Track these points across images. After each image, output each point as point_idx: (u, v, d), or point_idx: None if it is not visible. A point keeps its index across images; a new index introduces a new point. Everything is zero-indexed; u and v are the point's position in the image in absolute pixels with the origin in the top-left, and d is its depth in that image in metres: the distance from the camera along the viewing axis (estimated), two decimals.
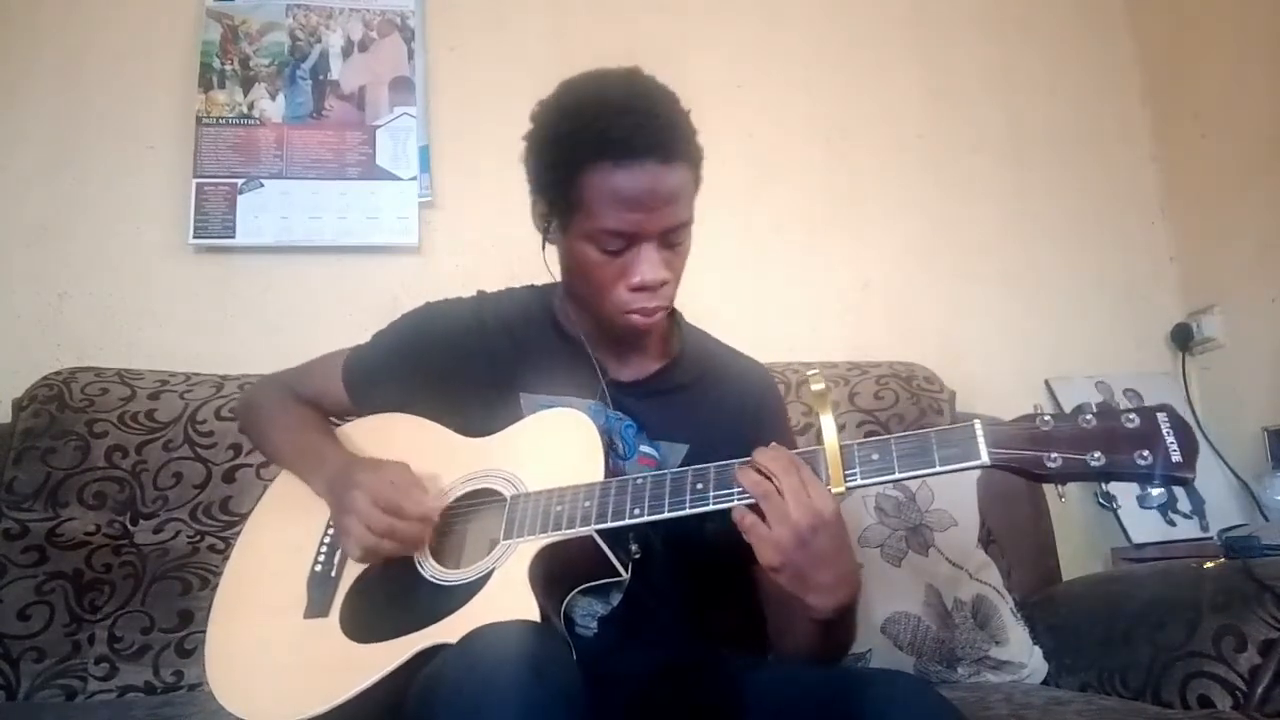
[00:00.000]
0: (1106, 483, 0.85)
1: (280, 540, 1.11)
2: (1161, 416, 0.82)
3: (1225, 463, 2.01)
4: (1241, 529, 1.57)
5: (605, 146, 0.98)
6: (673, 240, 1.04)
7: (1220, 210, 2.12)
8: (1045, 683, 1.43)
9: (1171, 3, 2.27)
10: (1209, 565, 1.35)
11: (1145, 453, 0.80)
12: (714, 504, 0.92)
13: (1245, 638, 1.19)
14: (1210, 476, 2.02)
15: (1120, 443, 0.81)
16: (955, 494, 1.53)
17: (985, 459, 0.85)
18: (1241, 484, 1.98)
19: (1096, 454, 0.81)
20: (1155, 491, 0.84)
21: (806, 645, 0.99)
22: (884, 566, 1.44)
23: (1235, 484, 2.00)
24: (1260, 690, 1.16)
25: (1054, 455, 0.82)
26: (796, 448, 0.93)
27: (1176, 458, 0.79)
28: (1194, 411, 2.08)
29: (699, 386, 1.17)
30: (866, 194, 2.16)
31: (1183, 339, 2.14)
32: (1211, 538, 1.84)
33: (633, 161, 0.98)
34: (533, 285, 1.24)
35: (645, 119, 0.99)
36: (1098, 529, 2.04)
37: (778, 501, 0.86)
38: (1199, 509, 1.99)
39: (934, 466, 0.86)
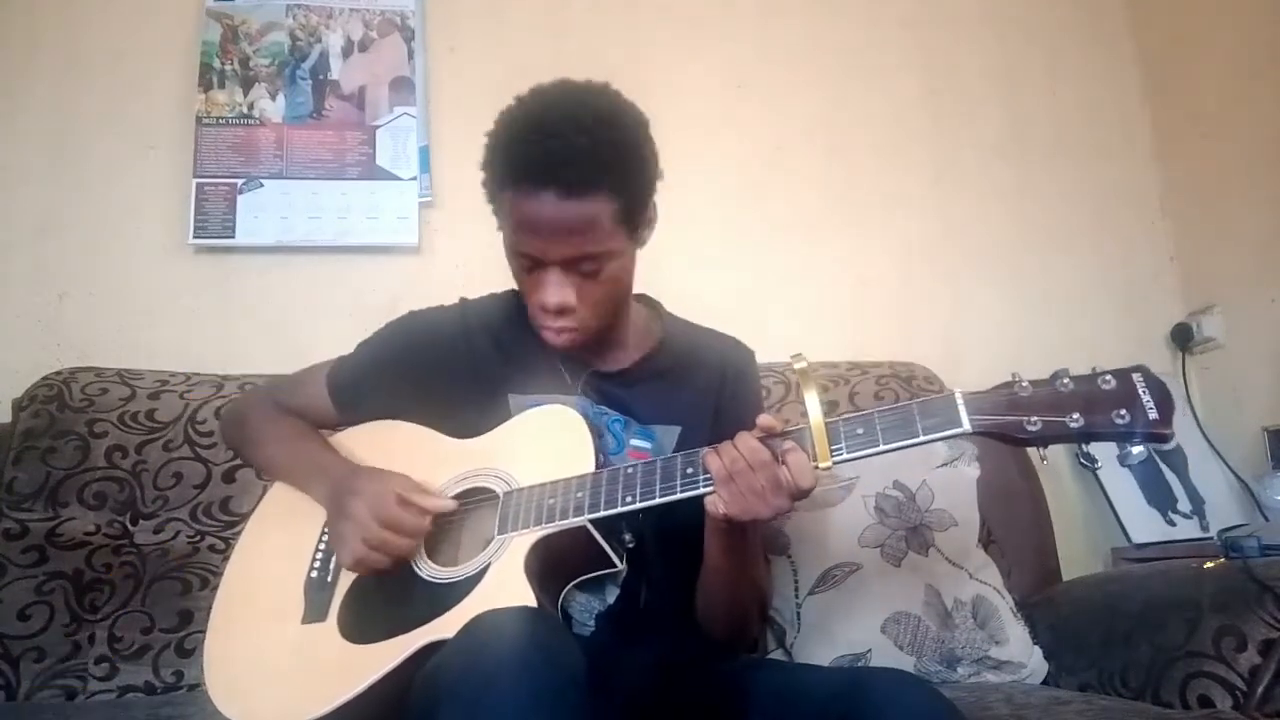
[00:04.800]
0: (1086, 443, 0.87)
1: (277, 547, 1.12)
2: (1137, 377, 0.85)
3: (1225, 463, 2.01)
4: (1241, 529, 1.57)
5: (514, 171, 1.01)
6: (582, 269, 1.03)
7: (1220, 210, 2.12)
8: (1045, 683, 1.43)
9: (1172, 3, 2.27)
10: (1209, 565, 1.35)
11: (1123, 411, 0.83)
12: (703, 487, 0.93)
13: (1245, 638, 1.19)
14: (1210, 476, 2.02)
15: (1098, 403, 0.84)
16: (955, 494, 1.53)
17: (967, 426, 0.87)
18: (1241, 484, 1.98)
19: (1075, 415, 0.84)
20: (1135, 450, 0.86)
21: (723, 565, 1.04)
22: (884, 566, 1.44)
23: (1235, 484, 2.00)
24: (1260, 690, 1.16)
25: (1034, 419, 0.85)
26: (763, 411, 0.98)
27: (1154, 415, 0.82)
28: (1194, 411, 2.08)
29: (682, 369, 1.18)
30: (866, 194, 2.16)
31: (1183, 339, 2.14)
32: (1211, 538, 1.83)
33: (531, 189, 0.99)
34: (513, 289, 1.24)
35: (561, 146, 0.97)
36: (1098, 529, 2.04)
37: (736, 490, 0.91)
38: (1199, 509, 1.99)
39: (918, 436, 0.88)
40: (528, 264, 1.04)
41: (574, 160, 0.97)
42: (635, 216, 1.04)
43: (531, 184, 0.98)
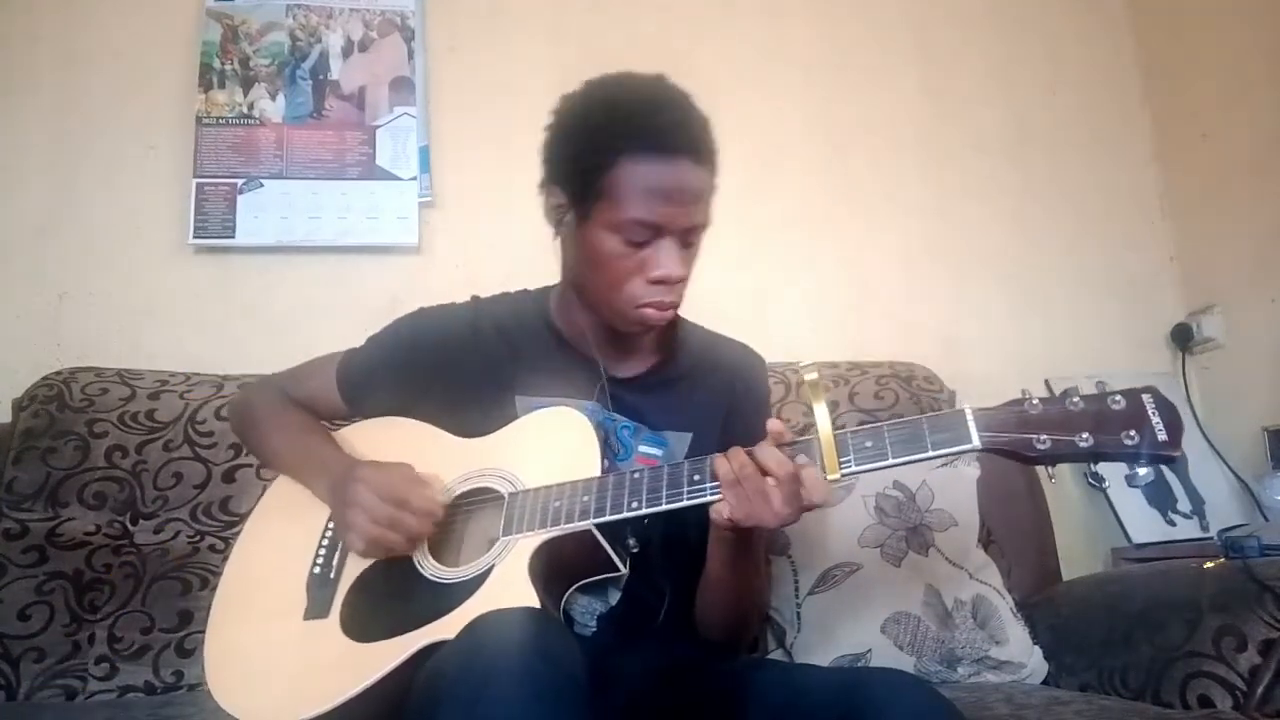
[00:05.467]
0: (1095, 463, 0.87)
1: (279, 543, 1.12)
2: (1147, 397, 0.85)
3: (1225, 463, 2.01)
4: (1241, 529, 1.57)
5: (646, 137, 1.00)
6: (690, 239, 1.05)
7: (1220, 210, 2.12)
8: (1045, 683, 1.43)
9: (1172, 3, 2.27)
10: (1209, 565, 1.35)
11: (1132, 432, 0.83)
12: (710, 494, 0.93)
13: (1245, 638, 1.19)
14: (1210, 476, 2.02)
15: (1107, 423, 0.84)
16: (955, 494, 1.53)
17: (976, 442, 0.86)
18: (1241, 484, 1.98)
19: (1084, 435, 0.84)
20: (1143, 471, 0.86)
21: (725, 574, 1.04)
22: (884, 566, 1.44)
23: (1235, 484, 2.00)
24: (1260, 690, 1.16)
25: (1043, 437, 0.85)
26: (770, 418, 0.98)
27: (1163, 436, 0.82)
28: (1194, 411, 2.08)
29: (696, 375, 1.18)
30: (866, 194, 2.16)
31: (1183, 339, 2.14)
32: (1211, 538, 1.84)
33: (671, 155, 1.00)
34: (526, 290, 1.24)
35: (683, 117, 1.02)
36: (1098, 529, 2.04)
37: (743, 493, 0.91)
38: (1199, 509, 1.99)
39: (927, 451, 0.88)
40: (646, 234, 1.02)
41: (702, 130, 1.04)
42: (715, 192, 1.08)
43: (668, 150, 1.00)
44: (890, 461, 0.90)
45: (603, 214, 1.02)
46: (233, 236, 1.88)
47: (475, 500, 1.07)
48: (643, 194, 1.00)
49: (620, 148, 1.00)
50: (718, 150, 1.06)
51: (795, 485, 0.90)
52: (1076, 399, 0.86)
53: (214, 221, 1.87)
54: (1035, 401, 0.87)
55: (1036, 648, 1.45)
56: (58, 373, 1.63)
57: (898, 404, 1.73)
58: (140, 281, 1.86)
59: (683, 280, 1.05)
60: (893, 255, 2.14)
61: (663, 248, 1.02)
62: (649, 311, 1.05)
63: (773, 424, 0.94)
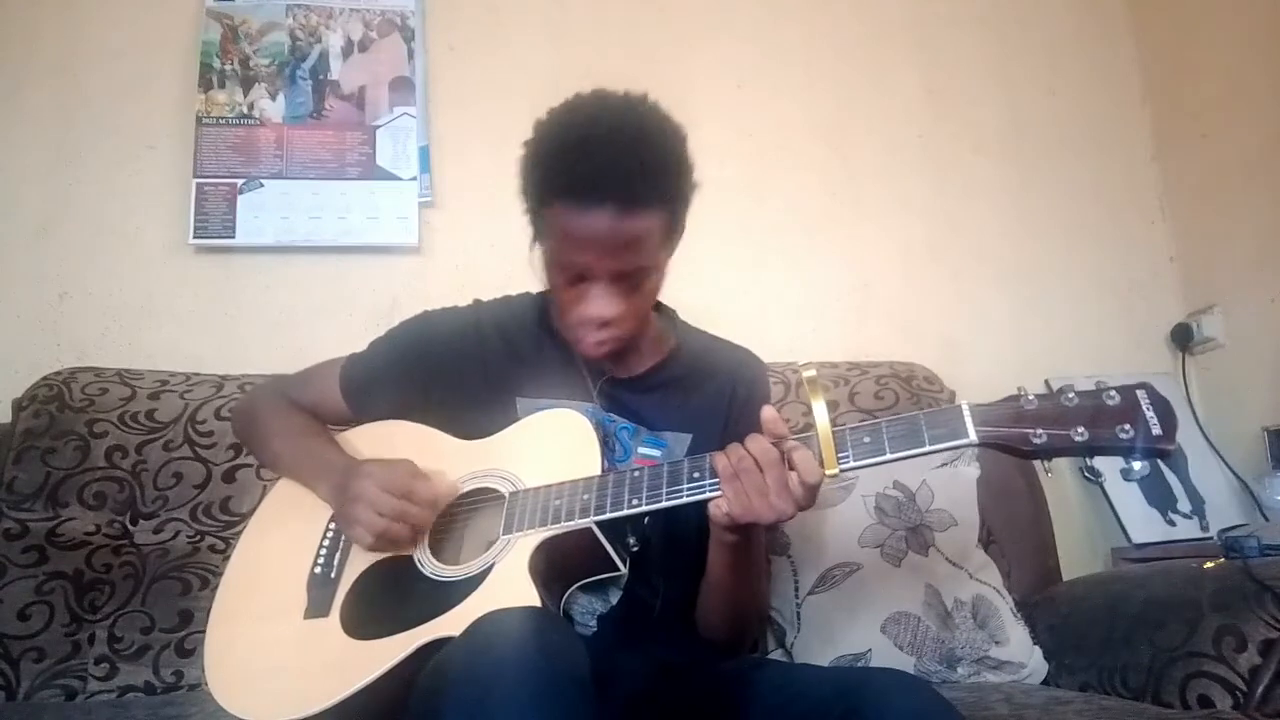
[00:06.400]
0: (1091, 457, 0.88)
1: (279, 544, 1.12)
2: (1141, 393, 0.85)
3: (1225, 463, 2.01)
4: (1241, 529, 1.57)
5: (565, 185, 0.98)
6: (631, 282, 1.03)
7: (1220, 210, 2.12)
8: (1045, 683, 1.43)
9: (1171, 3, 2.27)
10: (1209, 565, 1.35)
11: (1127, 426, 0.83)
12: (710, 492, 0.93)
13: (1245, 638, 1.19)
14: (1210, 476, 2.02)
15: (1102, 418, 0.85)
16: (955, 494, 1.53)
17: (973, 437, 0.87)
18: (1241, 484, 1.98)
19: (1080, 429, 0.85)
20: (1137, 465, 0.87)
21: (726, 577, 1.05)
22: (884, 566, 1.44)
23: (1235, 484, 2.00)
24: (1260, 690, 1.16)
25: (1039, 432, 0.86)
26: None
27: (1157, 430, 0.83)
28: (1194, 411, 2.08)
29: (695, 377, 1.19)
30: (866, 194, 2.16)
31: (1183, 339, 2.14)
32: (1211, 538, 1.84)
33: (588, 206, 0.97)
34: (528, 292, 1.25)
35: (614, 161, 0.96)
36: (1098, 529, 2.04)
37: (741, 488, 0.91)
38: (1199, 509, 1.99)
39: (924, 446, 0.89)
40: (572, 277, 1.03)
41: (631, 177, 0.96)
42: (678, 229, 1.06)
43: (586, 199, 0.97)
44: (888, 456, 0.90)
45: (544, 248, 1.06)
46: (233, 236, 1.88)
47: (476, 500, 1.07)
48: (565, 240, 1.00)
49: (546, 193, 1.01)
50: (670, 187, 1.01)
51: (782, 471, 0.90)
52: (1072, 394, 0.87)
53: (214, 221, 1.88)
54: (1031, 397, 0.88)
55: (1036, 648, 1.45)
56: (58, 373, 1.63)
57: (898, 404, 1.73)
58: (140, 281, 1.86)
59: (614, 321, 1.04)
60: (893, 255, 2.14)
61: (592, 289, 1.03)
62: (585, 346, 1.07)
63: (767, 411, 0.94)
